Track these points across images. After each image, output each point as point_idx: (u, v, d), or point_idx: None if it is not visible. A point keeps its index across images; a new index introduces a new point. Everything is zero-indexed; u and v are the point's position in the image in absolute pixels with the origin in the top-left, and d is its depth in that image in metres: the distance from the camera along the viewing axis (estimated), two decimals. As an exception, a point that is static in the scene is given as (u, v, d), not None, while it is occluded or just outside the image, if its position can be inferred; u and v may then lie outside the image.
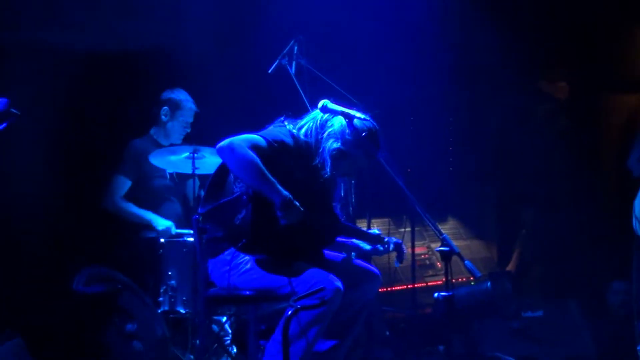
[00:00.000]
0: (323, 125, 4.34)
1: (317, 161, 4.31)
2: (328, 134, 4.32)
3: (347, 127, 4.29)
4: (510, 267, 7.59)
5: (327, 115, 4.35)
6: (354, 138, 4.29)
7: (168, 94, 5.92)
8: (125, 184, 5.74)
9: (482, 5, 7.17)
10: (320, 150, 4.31)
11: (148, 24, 6.24)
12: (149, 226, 5.64)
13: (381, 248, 4.66)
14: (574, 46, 7.90)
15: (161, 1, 6.19)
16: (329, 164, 4.30)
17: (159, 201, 5.83)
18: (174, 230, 5.60)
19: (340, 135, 4.29)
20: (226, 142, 4.13)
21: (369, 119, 4.35)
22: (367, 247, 4.65)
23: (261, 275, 4.19)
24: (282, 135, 4.26)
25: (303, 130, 4.37)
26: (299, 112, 4.89)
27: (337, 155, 4.29)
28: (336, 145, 4.28)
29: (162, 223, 5.62)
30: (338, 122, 4.32)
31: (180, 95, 5.91)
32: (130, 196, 5.74)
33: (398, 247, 4.69)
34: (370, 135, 4.29)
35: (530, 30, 7.67)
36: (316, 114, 4.39)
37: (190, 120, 5.93)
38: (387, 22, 7.01)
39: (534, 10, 7.61)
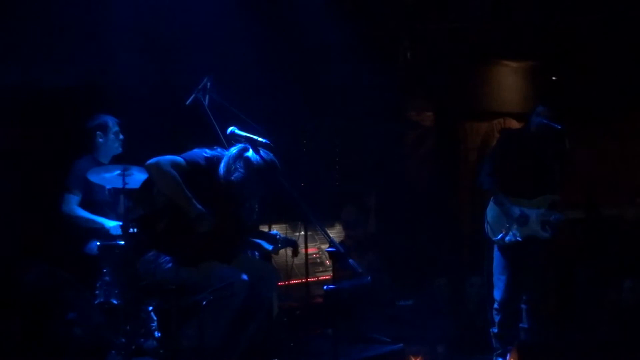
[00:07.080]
0: (235, 158, 4.83)
1: (225, 182, 4.83)
2: (236, 166, 4.82)
3: (251, 161, 4.79)
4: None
5: (240, 150, 4.84)
6: (255, 171, 4.79)
7: (93, 122, 6.19)
8: (75, 198, 5.99)
9: (364, 49, 7.75)
10: (229, 178, 4.83)
11: (80, 64, 6.67)
12: (100, 231, 5.88)
13: (279, 245, 5.19)
14: (440, 82, 8.66)
15: (92, 43, 6.58)
16: (235, 189, 4.85)
17: (102, 212, 6.03)
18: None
19: (245, 168, 4.80)
20: (153, 161, 4.69)
21: (269, 143, 4.86)
22: (269, 246, 5.18)
23: (181, 271, 4.72)
24: (198, 158, 4.85)
25: (223, 162, 4.85)
26: (211, 135, 5.49)
27: (241, 183, 4.82)
28: (240, 175, 4.81)
29: (111, 223, 5.89)
30: (246, 156, 4.81)
31: (102, 118, 6.18)
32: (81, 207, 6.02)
33: (292, 243, 5.31)
34: (268, 170, 4.79)
35: (404, 69, 8.41)
36: (233, 148, 4.88)
37: (118, 129, 6.20)
38: (285, 64, 7.57)
39: (407, 54, 8.37)
